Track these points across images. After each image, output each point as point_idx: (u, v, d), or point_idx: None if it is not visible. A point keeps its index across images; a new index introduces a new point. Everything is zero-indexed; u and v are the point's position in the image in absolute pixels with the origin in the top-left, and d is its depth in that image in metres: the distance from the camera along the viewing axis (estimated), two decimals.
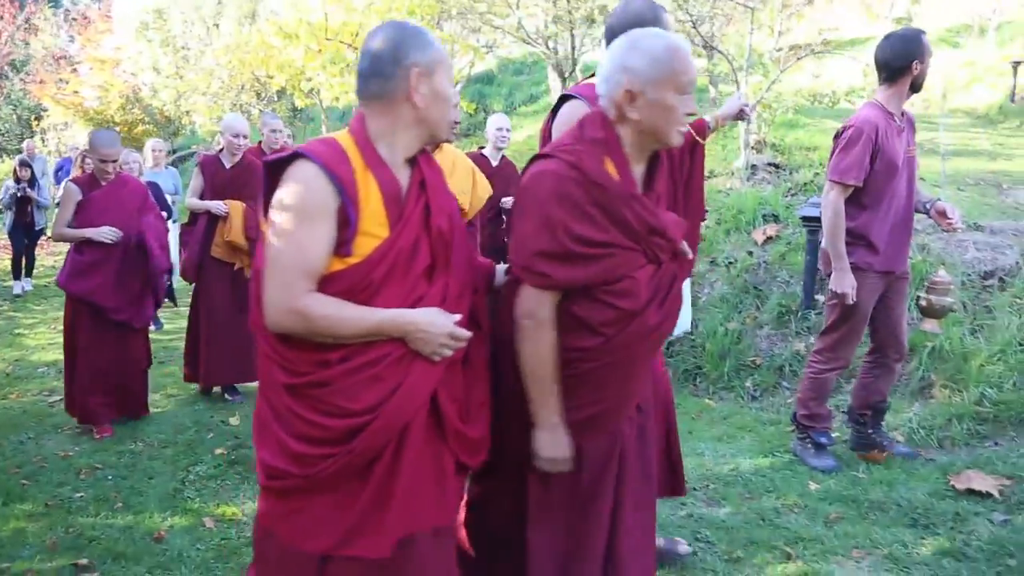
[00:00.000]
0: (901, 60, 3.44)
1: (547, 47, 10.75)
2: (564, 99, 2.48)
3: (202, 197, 4.81)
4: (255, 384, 4.97)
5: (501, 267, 2.04)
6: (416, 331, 1.66)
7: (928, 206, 3.64)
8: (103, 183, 4.28)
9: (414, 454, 1.71)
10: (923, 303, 3.61)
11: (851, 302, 3.46)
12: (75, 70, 18.90)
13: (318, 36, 9.17)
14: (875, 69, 3.59)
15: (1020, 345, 4.23)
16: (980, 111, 13.43)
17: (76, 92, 18.00)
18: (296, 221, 1.60)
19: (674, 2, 9.47)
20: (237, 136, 4.80)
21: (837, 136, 3.56)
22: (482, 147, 5.75)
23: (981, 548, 2.85)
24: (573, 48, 10.69)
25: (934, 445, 3.89)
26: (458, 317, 1.71)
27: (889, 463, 3.65)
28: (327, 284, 1.64)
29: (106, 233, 4.16)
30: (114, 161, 4.25)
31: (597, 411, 1.89)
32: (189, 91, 14.02)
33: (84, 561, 2.88)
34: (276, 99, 13.22)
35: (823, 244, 3.66)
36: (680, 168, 2.62)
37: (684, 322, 5.12)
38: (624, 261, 1.79)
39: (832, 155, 3.56)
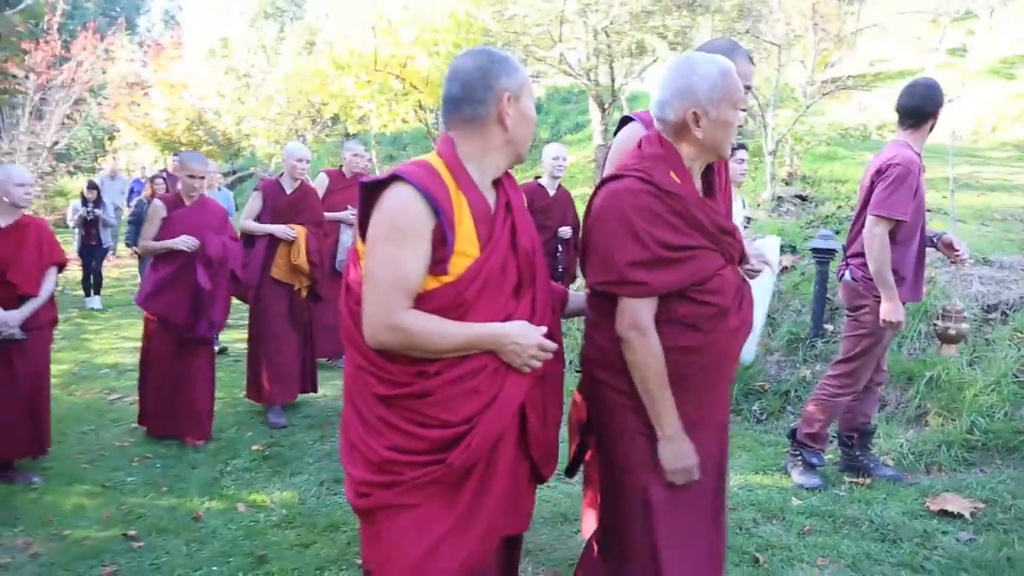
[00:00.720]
0: (931, 106, 3.67)
1: (588, 79, 11.16)
2: (625, 121, 2.65)
3: (259, 220, 4.96)
4: (305, 396, 5.32)
5: (575, 292, 2.21)
6: (509, 343, 1.74)
7: (935, 239, 3.83)
8: (187, 202, 4.56)
9: (505, 465, 1.81)
10: (951, 331, 3.76)
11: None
12: (146, 94, 20.10)
13: (368, 67, 9.75)
14: (898, 114, 3.76)
15: (1015, 377, 4.40)
16: None
17: (147, 114, 19.15)
18: (394, 241, 1.67)
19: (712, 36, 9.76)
20: (300, 160, 5.02)
21: (879, 173, 3.67)
22: (538, 176, 5.85)
23: (939, 562, 3.08)
24: (613, 80, 11.07)
25: (921, 470, 4.08)
26: (544, 330, 1.81)
27: (873, 484, 3.87)
28: (422, 302, 1.71)
29: (182, 241, 4.38)
30: (202, 178, 4.58)
31: (699, 416, 2.01)
32: (250, 115, 14.88)
33: (133, 532, 3.34)
34: (330, 125, 13.97)
35: (846, 276, 3.85)
36: None
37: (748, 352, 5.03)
38: (708, 262, 1.95)
39: (873, 191, 3.65)
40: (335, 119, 13.92)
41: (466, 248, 1.73)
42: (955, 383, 4.49)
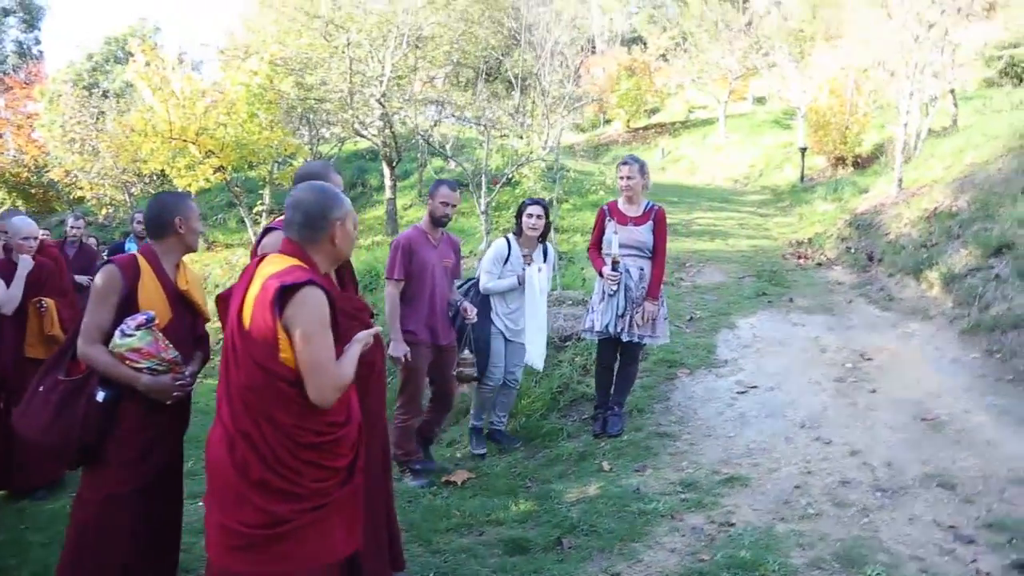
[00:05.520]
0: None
1: (377, 142, 13.13)
2: (268, 231, 3.47)
3: None
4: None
5: None
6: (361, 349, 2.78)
7: (458, 304, 5.42)
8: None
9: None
10: (464, 374, 5.38)
11: (405, 363, 5.10)
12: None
13: (162, 136, 11.40)
14: None
15: (557, 390, 6.40)
16: (781, 188, 16.02)
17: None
18: (325, 329, 2.49)
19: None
20: (27, 239, 5.05)
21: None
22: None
23: (413, 513, 4.90)
24: (397, 144, 13.08)
25: (468, 457, 5.94)
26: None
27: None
28: None
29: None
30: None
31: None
32: (75, 170, 16.02)
33: None
34: (156, 180, 15.41)
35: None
36: None
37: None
38: (353, 333, 2.79)
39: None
40: (162, 175, 15.33)
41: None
42: (522, 393, 6.43)
